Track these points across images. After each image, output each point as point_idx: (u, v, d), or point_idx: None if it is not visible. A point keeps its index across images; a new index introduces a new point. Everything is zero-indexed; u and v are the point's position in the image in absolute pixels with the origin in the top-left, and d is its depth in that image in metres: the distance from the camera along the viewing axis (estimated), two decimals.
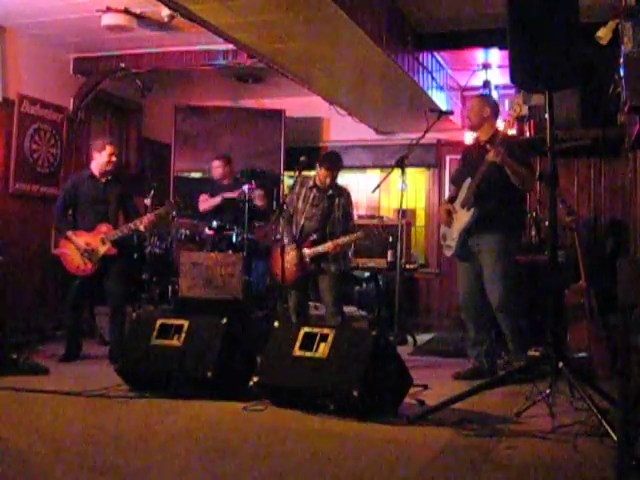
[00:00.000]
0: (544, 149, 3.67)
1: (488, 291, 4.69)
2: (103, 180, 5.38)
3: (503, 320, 4.69)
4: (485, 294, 4.72)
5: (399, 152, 5.10)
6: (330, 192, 5.34)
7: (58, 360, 5.18)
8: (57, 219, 5.46)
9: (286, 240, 5.25)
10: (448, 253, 4.90)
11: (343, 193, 5.46)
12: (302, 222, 5.31)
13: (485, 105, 4.80)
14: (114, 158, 5.37)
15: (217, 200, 6.57)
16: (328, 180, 5.34)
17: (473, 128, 5.00)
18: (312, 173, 5.61)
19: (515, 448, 3.00)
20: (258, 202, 6.37)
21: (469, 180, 4.71)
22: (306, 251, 5.27)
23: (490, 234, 4.67)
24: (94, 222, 5.28)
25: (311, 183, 5.39)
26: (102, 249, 5.20)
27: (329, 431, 3.31)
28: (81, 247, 5.21)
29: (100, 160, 5.35)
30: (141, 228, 5.29)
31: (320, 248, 5.19)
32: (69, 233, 5.29)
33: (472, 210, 4.67)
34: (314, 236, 5.26)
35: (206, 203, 6.66)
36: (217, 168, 6.80)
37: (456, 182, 4.97)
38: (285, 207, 5.35)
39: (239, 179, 6.72)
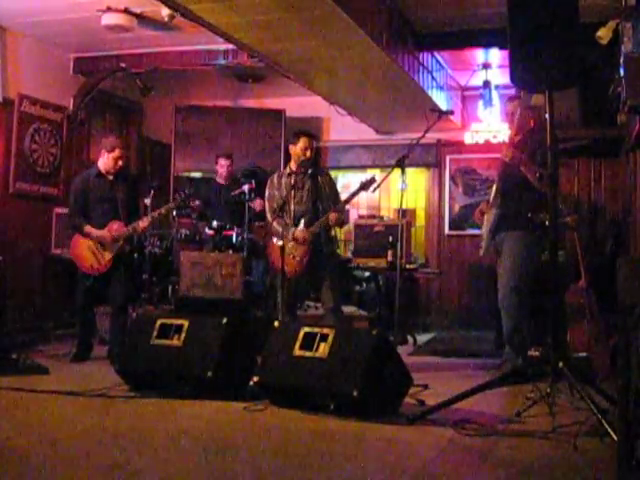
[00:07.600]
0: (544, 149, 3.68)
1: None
2: (110, 177, 5.38)
3: (503, 317, 4.76)
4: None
5: (399, 152, 5.08)
6: (311, 171, 5.11)
7: (69, 360, 5.21)
8: (72, 216, 5.42)
9: (280, 229, 5.01)
10: (481, 253, 4.99)
11: (324, 170, 5.40)
12: (293, 207, 5.05)
13: (531, 119, 4.84)
14: (120, 162, 5.36)
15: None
16: (308, 153, 5.09)
17: (512, 134, 5.02)
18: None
19: (515, 448, 3.00)
20: (257, 208, 6.24)
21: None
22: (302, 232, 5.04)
23: (509, 233, 4.76)
24: (105, 220, 5.28)
25: (288, 170, 5.18)
26: (116, 246, 5.21)
27: (329, 431, 3.31)
28: (101, 236, 5.21)
29: (106, 160, 5.34)
30: (139, 227, 5.29)
31: (316, 226, 4.98)
32: (87, 228, 5.27)
33: (495, 210, 4.79)
34: (303, 220, 5.07)
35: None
36: (223, 167, 6.82)
37: None
38: (268, 204, 5.21)
39: (239, 179, 6.71)
